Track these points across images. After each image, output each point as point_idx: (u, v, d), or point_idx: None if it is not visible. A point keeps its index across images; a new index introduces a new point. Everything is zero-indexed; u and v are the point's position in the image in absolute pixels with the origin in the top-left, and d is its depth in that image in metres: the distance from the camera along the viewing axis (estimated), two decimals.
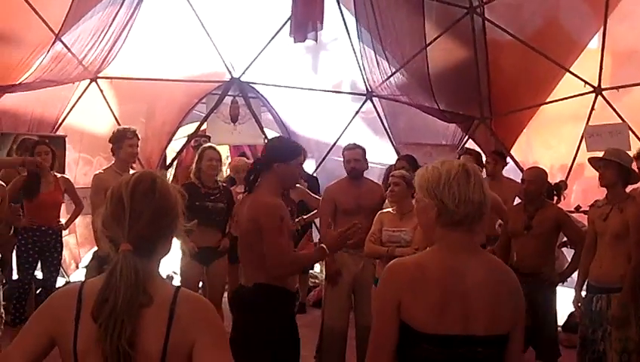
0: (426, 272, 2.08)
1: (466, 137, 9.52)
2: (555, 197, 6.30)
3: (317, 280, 8.67)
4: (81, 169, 8.63)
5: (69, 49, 7.71)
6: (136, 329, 1.70)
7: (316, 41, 8.24)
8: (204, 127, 9.29)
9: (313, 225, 7.67)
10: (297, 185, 6.37)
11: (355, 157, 5.73)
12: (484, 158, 7.18)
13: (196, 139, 8.21)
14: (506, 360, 2.15)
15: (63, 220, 6.67)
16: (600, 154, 4.85)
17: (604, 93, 8.11)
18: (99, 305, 1.72)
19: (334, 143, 9.60)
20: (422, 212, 2.18)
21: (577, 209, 7.41)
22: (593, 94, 8.16)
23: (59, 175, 6.60)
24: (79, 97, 8.54)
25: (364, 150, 5.81)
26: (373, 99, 9.59)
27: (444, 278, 2.07)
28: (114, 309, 1.69)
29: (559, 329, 5.62)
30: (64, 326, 1.76)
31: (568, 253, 6.59)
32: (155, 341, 1.73)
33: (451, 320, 2.04)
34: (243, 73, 9.15)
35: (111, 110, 8.68)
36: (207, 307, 1.86)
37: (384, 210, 5.34)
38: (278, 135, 8.83)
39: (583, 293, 4.85)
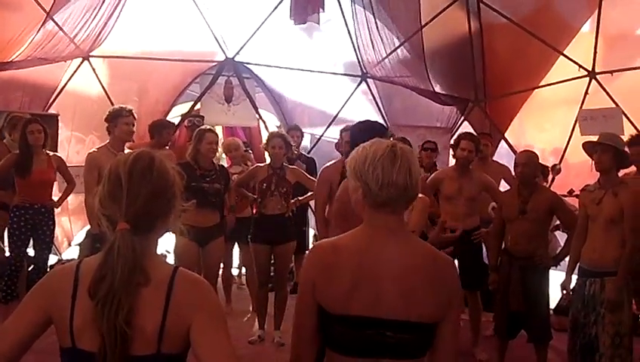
0: (340, 254, 2.05)
1: (461, 120, 9.53)
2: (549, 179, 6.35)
3: None
4: (73, 147, 8.61)
5: (60, 27, 7.64)
6: (133, 307, 1.70)
7: (318, 23, 8.22)
8: (197, 107, 9.25)
9: (309, 206, 7.68)
10: (294, 166, 6.39)
11: (347, 139, 5.74)
12: None
13: (190, 119, 8.18)
14: (431, 352, 2.10)
15: (55, 198, 6.66)
16: (593, 138, 4.86)
17: (597, 77, 8.12)
18: (96, 282, 1.71)
19: (329, 124, 9.59)
20: (352, 192, 2.15)
21: (570, 193, 7.46)
22: (587, 78, 8.16)
23: (51, 153, 6.57)
24: (71, 76, 8.48)
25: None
26: (368, 80, 9.56)
27: (358, 261, 2.03)
28: (111, 287, 1.69)
29: (551, 312, 5.68)
30: (61, 304, 1.75)
31: (561, 237, 6.64)
32: (152, 320, 1.72)
33: (361, 302, 2.00)
34: (237, 53, 9.08)
35: (104, 89, 8.63)
36: (205, 287, 1.85)
37: None
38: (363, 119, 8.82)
39: (574, 277, 4.89)
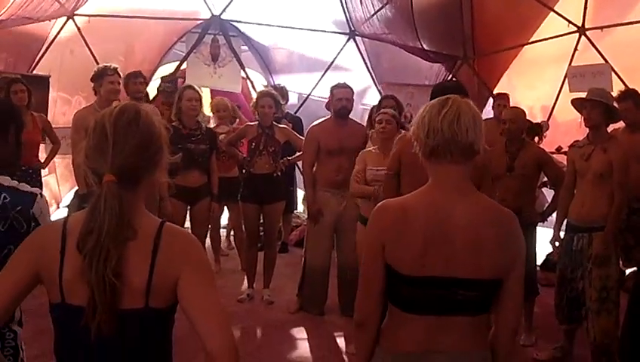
0: (409, 214, 2.06)
1: (449, 77, 9.47)
2: (536, 138, 6.34)
3: (299, 220, 8.73)
4: (59, 108, 8.51)
5: None
6: (122, 261, 1.69)
7: None
8: (184, 66, 9.14)
9: (296, 166, 7.67)
10: (282, 125, 6.36)
11: (346, 96, 5.74)
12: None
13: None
14: (499, 306, 2.14)
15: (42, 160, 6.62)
16: (582, 94, 4.85)
17: (587, 33, 8.08)
18: (83, 236, 1.70)
19: (317, 83, 9.52)
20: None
21: (558, 150, 7.47)
22: (577, 34, 8.12)
23: (36, 114, 6.50)
24: (56, 35, 8.35)
25: (352, 90, 5.82)
26: (357, 38, 9.46)
27: (427, 220, 2.04)
28: (98, 240, 1.68)
29: (537, 267, 5.74)
30: (49, 259, 1.75)
31: (547, 194, 6.68)
32: (140, 273, 1.72)
33: (432, 262, 2.03)
34: (223, 10, 8.96)
35: (89, 48, 8.50)
36: (192, 241, 1.85)
37: (366, 149, 5.36)
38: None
39: (561, 233, 4.93)
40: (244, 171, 6.33)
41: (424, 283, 2.04)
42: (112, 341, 1.71)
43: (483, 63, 9.36)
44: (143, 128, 1.78)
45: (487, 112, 8.53)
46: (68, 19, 8.29)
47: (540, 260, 6.02)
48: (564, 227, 4.90)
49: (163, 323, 1.81)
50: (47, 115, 7.22)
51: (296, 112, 8.77)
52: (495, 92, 8.74)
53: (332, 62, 9.54)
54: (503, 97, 7.46)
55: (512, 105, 6.83)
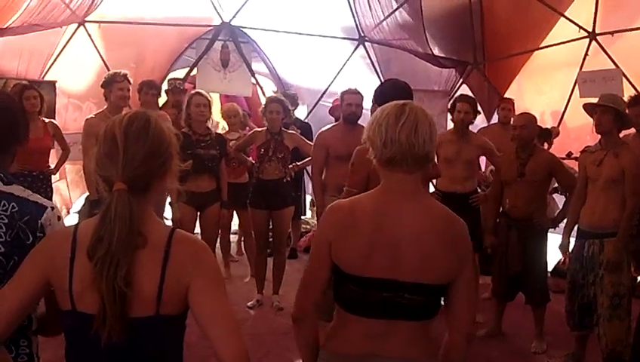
0: (357, 215, 2.08)
1: (459, 83, 9.45)
2: (545, 143, 6.32)
3: (308, 226, 8.72)
4: (70, 115, 8.54)
5: None
6: (132, 268, 1.69)
7: None
8: (194, 72, 9.16)
9: (305, 171, 7.67)
10: (291, 131, 6.36)
11: (357, 101, 5.72)
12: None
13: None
14: (450, 310, 2.16)
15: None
16: (593, 100, 4.83)
17: (598, 38, 8.04)
18: (94, 243, 1.70)
19: (326, 89, 9.51)
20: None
21: (569, 155, 7.44)
22: (587, 39, 8.09)
23: (47, 120, 6.54)
24: (67, 42, 8.39)
25: (362, 96, 5.82)
26: (366, 44, 9.46)
27: (375, 222, 2.06)
28: (109, 248, 1.68)
29: (548, 274, 5.71)
30: (59, 267, 1.75)
31: (559, 200, 6.65)
32: (151, 281, 1.72)
33: (378, 263, 2.04)
34: (234, 17, 8.98)
35: (100, 55, 8.53)
36: (203, 248, 1.85)
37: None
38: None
39: (572, 239, 4.89)
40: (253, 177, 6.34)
41: (369, 284, 2.05)
42: (123, 348, 1.71)
43: (493, 69, 9.33)
44: (152, 136, 1.79)
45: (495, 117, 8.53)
46: (79, 26, 8.32)
47: (550, 266, 5.98)
48: (573, 233, 4.87)
49: (174, 330, 1.82)
50: (54, 118, 7.26)
51: (305, 118, 8.77)
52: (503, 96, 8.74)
53: (341, 68, 9.53)
54: (508, 102, 7.45)
55: (522, 110, 6.80)
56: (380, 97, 3.70)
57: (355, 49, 9.50)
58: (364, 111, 5.82)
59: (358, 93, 5.81)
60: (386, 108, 2.11)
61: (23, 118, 2.18)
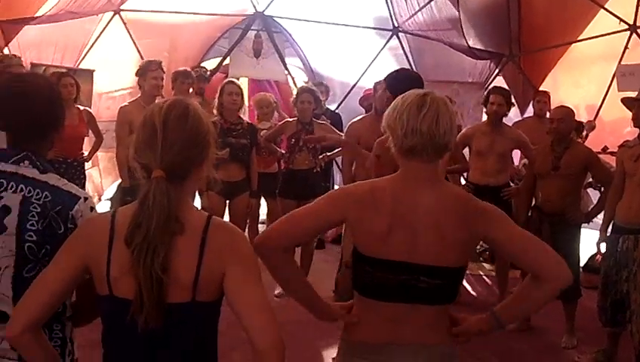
0: (377, 195, 2.09)
1: (494, 75, 9.32)
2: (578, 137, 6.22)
3: None
4: (104, 103, 8.63)
5: None
6: (169, 255, 1.71)
7: None
8: (226, 61, 9.20)
9: (334, 162, 7.65)
10: (322, 121, 6.35)
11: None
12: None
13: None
14: (519, 261, 2.17)
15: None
16: (631, 94, 4.73)
17: (639, 30, 7.86)
18: (132, 230, 1.72)
19: (357, 80, 9.47)
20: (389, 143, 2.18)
21: (604, 150, 7.30)
22: (627, 32, 7.91)
23: (82, 107, 6.61)
24: (102, 30, 8.48)
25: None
26: (400, 35, 9.38)
27: (393, 204, 2.07)
28: (147, 234, 1.69)
29: (580, 269, 5.63)
30: (97, 252, 1.77)
31: (592, 194, 6.53)
32: (187, 268, 1.74)
33: (395, 246, 2.05)
34: (267, 7, 8.98)
35: (134, 43, 8.62)
36: (240, 236, 1.87)
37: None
38: None
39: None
40: (281, 167, 6.35)
41: (386, 266, 2.06)
42: (159, 333, 1.73)
43: (529, 60, 9.17)
44: (191, 124, 1.80)
45: (532, 110, 8.40)
46: (114, 15, 8.41)
47: (582, 262, 5.89)
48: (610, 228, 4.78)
49: (209, 316, 1.83)
50: (90, 106, 7.35)
51: (336, 109, 8.75)
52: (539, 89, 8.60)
53: (374, 59, 9.47)
54: (544, 95, 7.36)
55: (557, 103, 6.71)
56: (395, 86, 3.68)
57: (389, 40, 9.44)
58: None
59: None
60: (407, 98, 2.12)
61: (61, 105, 2.20)
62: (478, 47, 8.90)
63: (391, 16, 9.20)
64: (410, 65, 9.43)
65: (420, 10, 8.78)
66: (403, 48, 9.49)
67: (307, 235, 2.19)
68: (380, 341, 2.12)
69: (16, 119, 2.07)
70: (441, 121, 2.06)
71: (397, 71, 4.14)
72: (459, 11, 8.57)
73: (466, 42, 8.75)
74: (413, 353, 2.11)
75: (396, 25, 9.25)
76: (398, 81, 3.78)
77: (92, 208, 2.09)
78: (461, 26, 8.65)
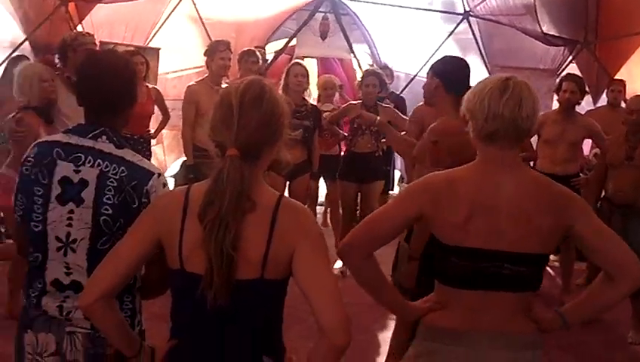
0: (456, 185, 2.06)
1: (567, 62, 9.01)
2: None
3: None
4: (170, 81, 8.77)
5: None
6: (240, 233, 1.73)
7: None
8: (292, 43, 9.19)
9: None
10: (386, 105, 6.27)
11: None
12: None
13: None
14: (596, 257, 2.12)
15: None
16: None
17: None
18: (205, 206, 1.74)
19: (424, 64, 9.31)
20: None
21: None
22: None
23: (150, 86, 6.72)
24: (172, 10, 8.59)
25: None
26: (470, 19, 9.16)
27: (474, 191, 2.04)
28: (219, 211, 1.72)
29: None
30: (171, 227, 1.80)
31: None
32: (257, 246, 1.75)
33: (477, 233, 2.02)
34: None
35: (202, 24, 8.70)
36: (309, 215, 1.88)
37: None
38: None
39: None
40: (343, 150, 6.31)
41: (469, 254, 2.03)
42: (227, 309, 1.76)
43: (605, 48, 8.81)
44: (267, 104, 1.81)
45: (605, 100, 8.09)
46: None
47: None
48: None
49: (276, 294, 1.85)
50: (156, 84, 7.46)
51: (401, 92, 8.63)
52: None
53: (442, 43, 9.29)
54: (619, 83, 7.09)
55: (632, 94, 6.44)
56: (446, 73, 3.62)
57: (459, 24, 9.25)
58: None
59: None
60: (488, 83, 2.09)
61: (134, 82, 2.25)
62: (552, 33, 8.60)
63: (462, 0, 8.99)
64: (480, 50, 9.24)
65: None
66: (473, 33, 9.28)
67: (387, 236, 2.12)
68: (460, 328, 2.09)
69: (91, 96, 2.15)
70: (524, 105, 2.02)
71: (446, 58, 4.01)
72: None
73: (540, 28, 8.47)
74: (493, 340, 2.08)
75: (467, 9, 9.04)
76: (451, 68, 3.68)
77: (164, 184, 2.15)
78: (535, 12, 8.36)
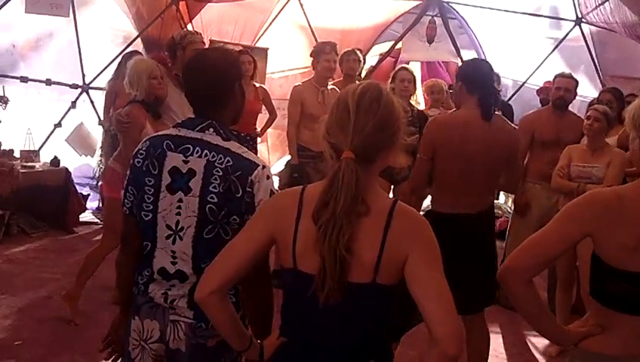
0: (626, 204, 1.90)
1: None
2: None
3: (500, 211, 8.42)
4: (276, 81, 8.93)
5: None
6: (354, 235, 1.73)
7: None
8: (399, 45, 9.15)
9: None
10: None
11: (567, 86, 5.46)
12: None
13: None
14: None
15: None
16: None
17: None
18: (319, 208, 1.76)
19: (533, 71, 9.06)
20: (630, 143, 2.01)
21: None
22: None
23: (258, 84, 6.86)
24: (280, 10, 8.74)
25: (577, 82, 5.52)
26: (582, 25, 8.84)
27: None
28: (333, 213, 1.72)
29: None
30: (285, 226, 1.83)
31: None
32: (370, 249, 1.75)
33: None
34: None
35: (309, 24, 8.80)
36: (423, 221, 1.85)
37: (573, 145, 5.05)
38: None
39: None
40: None
41: (635, 280, 1.89)
42: (338, 311, 1.77)
43: None
44: (383, 108, 1.81)
45: None
46: None
47: None
48: None
49: (387, 299, 1.84)
50: (263, 83, 7.60)
51: (509, 100, 8.43)
52: None
53: (553, 50, 9.01)
54: None
55: None
56: (468, 76, 3.70)
57: (571, 30, 8.93)
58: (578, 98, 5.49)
59: (571, 77, 5.55)
60: None
61: (236, 78, 2.30)
62: None
63: (575, 6, 8.68)
64: (592, 58, 8.88)
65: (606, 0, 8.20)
66: (585, 40, 8.94)
67: (550, 261, 2.03)
68: (622, 353, 1.98)
69: (195, 90, 2.25)
70: None
71: (471, 62, 4.15)
72: None
73: None
74: None
75: (580, 15, 8.73)
76: (467, 67, 3.78)
77: (268, 176, 2.19)
78: None
